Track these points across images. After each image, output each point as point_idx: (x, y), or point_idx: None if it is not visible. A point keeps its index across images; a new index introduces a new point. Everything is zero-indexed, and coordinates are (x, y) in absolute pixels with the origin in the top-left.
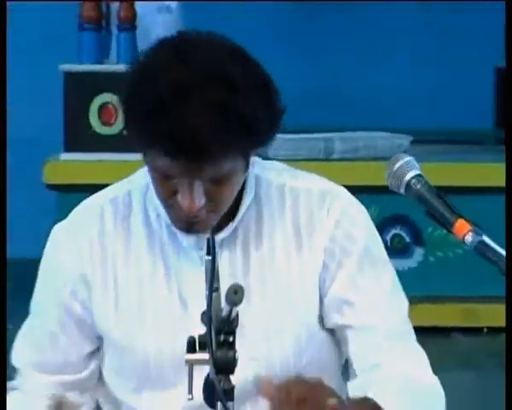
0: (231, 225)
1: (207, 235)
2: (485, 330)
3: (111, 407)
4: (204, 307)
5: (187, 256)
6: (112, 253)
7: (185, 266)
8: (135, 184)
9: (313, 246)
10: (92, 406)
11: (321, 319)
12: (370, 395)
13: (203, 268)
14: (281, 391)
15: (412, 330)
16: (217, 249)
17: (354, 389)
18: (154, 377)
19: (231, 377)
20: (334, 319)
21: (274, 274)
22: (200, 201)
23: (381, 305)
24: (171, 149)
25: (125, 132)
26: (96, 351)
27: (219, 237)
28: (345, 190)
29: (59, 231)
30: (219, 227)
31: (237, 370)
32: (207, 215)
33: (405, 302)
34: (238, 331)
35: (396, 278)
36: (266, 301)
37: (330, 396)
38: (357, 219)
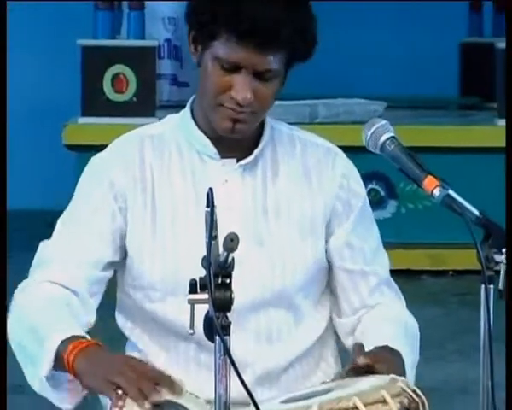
0: (253, 154)
1: (234, 163)
2: (450, 272)
3: (140, 320)
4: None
5: (216, 177)
6: (150, 177)
7: (216, 187)
8: (167, 126)
9: (323, 190)
10: (93, 316)
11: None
12: (370, 334)
13: (231, 194)
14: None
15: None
16: (240, 174)
17: (344, 326)
18: (181, 286)
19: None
20: (334, 260)
21: (288, 205)
22: (250, 93)
23: (374, 253)
24: (245, 32)
25: (134, 99)
26: (109, 269)
27: (244, 161)
28: (342, 154)
29: (100, 154)
30: (243, 157)
31: (251, 287)
32: (249, 116)
33: (386, 254)
34: (256, 250)
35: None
36: (281, 227)
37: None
38: (358, 177)
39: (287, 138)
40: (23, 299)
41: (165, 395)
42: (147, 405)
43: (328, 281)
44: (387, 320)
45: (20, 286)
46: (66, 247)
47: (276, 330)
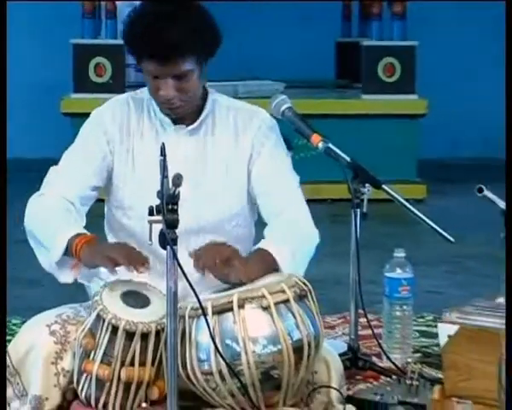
0: (198, 121)
1: (185, 126)
2: (329, 200)
3: (117, 230)
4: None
5: (173, 139)
6: (133, 131)
7: (171, 145)
8: (144, 95)
9: (245, 141)
10: (83, 219)
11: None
12: (269, 238)
13: (181, 146)
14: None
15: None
16: (188, 136)
17: (265, 234)
18: (145, 209)
19: (176, 230)
20: (253, 189)
21: (222, 155)
22: (171, 91)
23: (285, 178)
24: (153, 55)
25: (110, 81)
26: (95, 189)
27: (190, 127)
28: (264, 111)
29: (101, 107)
30: (191, 122)
31: (192, 214)
32: (180, 104)
33: (297, 178)
34: (197, 189)
35: (291, 165)
36: (216, 172)
37: (233, 252)
38: (271, 125)
39: (224, 108)
40: (36, 204)
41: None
42: (134, 271)
43: (254, 209)
44: (285, 228)
45: (32, 197)
46: (67, 172)
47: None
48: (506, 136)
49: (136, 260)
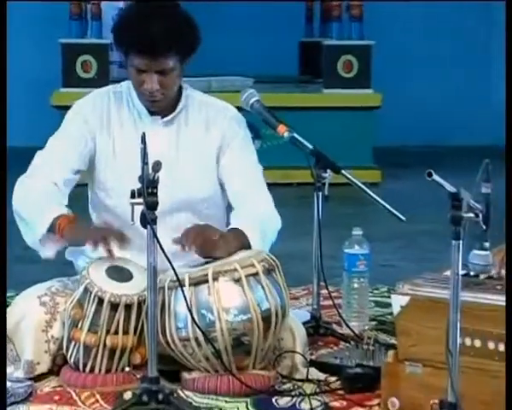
0: (173, 114)
1: (160, 118)
2: (295, 184)
3: (101, 211)
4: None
5: (151, 129)
6: (113, 122)
7: (149, 135)
8: (124, 89)
9: (215, 133)
10: (66, 200)
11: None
12: (238, 221)
13: (157, 136)
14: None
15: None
16: (163, 126)
17: (232, 217)
18: (127, 192)
19: (155, 211)
20: (221, 176)
21: (194, 145)
22: (155, 85)
23: (250, 169)
24: (139, 51)
25: (95, 77)
26: (78, 173)
27: (166, 118)
28: (233, 107)
29: (83, 98)
30: (167, 114)
31: (169, 196)
32: (160, 97)
33: (261, 169)
34: (172, 175)
35: (256, 157)
36: (188, 160)
37: (215, 232)
38: (240, 121)
39: (197, 102)
40: (22, 186)
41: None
42: (114, 247)
43: (225, 193)
44: (251, 212)
45: (19, 180)
46: (52, 157)
47: (184, 226)
48: (506, 137)
49: (116, 236)
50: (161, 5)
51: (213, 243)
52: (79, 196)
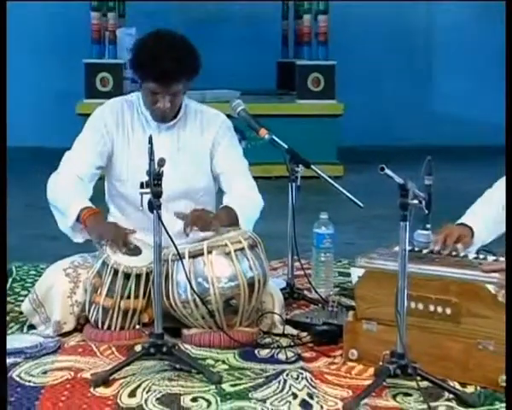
0: (174, 120)
1: (163, 125)
2: (273, 177)
3: (115, 198)
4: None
5: (156, 132)
6: (126, 125)
7: (155, 137)
8: (134, 98)
9: (209, 135)
10: (91, 192)
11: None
12: (229, 200)
13: (161, 137)
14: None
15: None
16: (166, 131)
17: (224, 199)
18: (138, 182)
19: (160, 199)
20: (215, 169)
21: (191, 145)
22: (167, 104)
23: (237, 162)
24: (157, 80)
25: (112, 90)
26: (100, 168)
27: (169, 124)
28: (223, 114)
29: (102, 106)
30: (169, 120)
31: (171, 187)
32: (170, 113)
33: (246, 162)
34: (173, 169)
35: (242, 153)
36: (186, 157)
37: (209, 214)
38: (228, 126)
39: (193, 111)
40: (55, 180)
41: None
42: (123, 247)
43: (215, 184)
44: (239, 196)
45: (52, 175)
46: (78, 155)
47: (184, 211)
48: (506, 137)
49: (120, 238)
50: (171, 39)
51: (209, 222)
52: (96, 188)
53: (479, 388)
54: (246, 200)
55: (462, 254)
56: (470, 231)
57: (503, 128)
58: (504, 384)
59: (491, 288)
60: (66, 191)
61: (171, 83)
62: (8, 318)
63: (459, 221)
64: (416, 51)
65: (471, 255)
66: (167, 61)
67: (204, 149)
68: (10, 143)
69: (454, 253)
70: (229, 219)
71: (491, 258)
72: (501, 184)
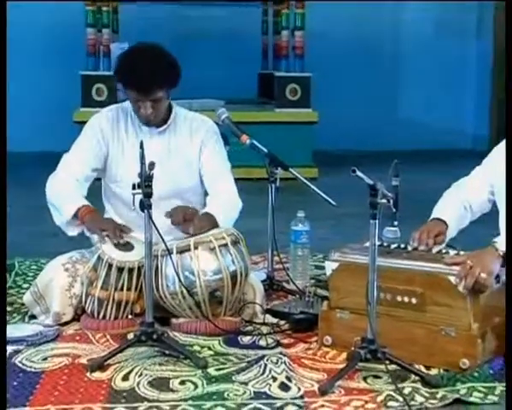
0: (165, 126)
1: (155, 128)
2: (254, 179)
3: (110, 198)
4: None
5: (148, 137)
6: (121, 131)
7: (147, 141)
8: (125, 106)
9: (196, 139)
10: (85, 192)
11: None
12: (212, 205)
13: (152, 142)
14: (178, 212)
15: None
16: (157, 135)
17: (208, 200)
18: (130, 184)
19: (150, 199)
20: (202, 170)
21: (181, 148)
22: (149, 110)
23: (222, 164)
24: (135, 88)
25: (106, 100)
26: (95, 171)
27: (160, 129)
28: (210, 120)
29: (98, 113)
30: (160, 125)
31: (161, 187)
32: (153, 118)
33: (229, 165)
34: (164, 171)
35: (226, 157)
36: (176, 160)
37: (193, 212)
38: (214, 131)
39: (182, 117)
40: (53, 180)
41: (126, 237)
42: (120, 240)
43: (203, 184)
44: (220, 198)
45: (50, 175)
46: (75, 158)
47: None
48: (506, 136)
49: (118, 231)
50: (150, 51)
51: (190, 222)
52: (92, 189)
53: (442, 370)
54: (225, 202)
55: (435, 251)
56: (445, 226)
57: (462, 133)
58: (464, 367)
59: (452, 279)
60: (63, 190)
61: (148, 90)
62: (11, 308)
63: (433, 216)
64: (383, 65)
65: (434, 250)
66: (144, 70)
67: (193, 152)
68: (12, 148)
69: (422, 248)
70: (209, 223)
71: (452, 252)
72: (462, 183)
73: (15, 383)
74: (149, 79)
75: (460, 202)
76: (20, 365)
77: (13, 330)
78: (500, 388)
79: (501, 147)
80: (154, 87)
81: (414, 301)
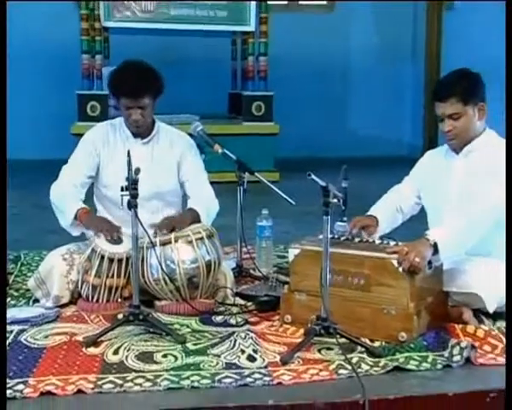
0: (149, 137)
1: (140, 139)
2: (225, 182)
3: (101, 200)
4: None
5: (135, 147)
6: (110, 142)
7: (134, 150)
8: (117, 122)
9: (176, 150)
10: (83, 196)
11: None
12: (195, 203)
13: (138, 151)
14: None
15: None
16: (142, 146)
17: (189, 202)
18: (119, 187)
19: (137, 200)
20: (182, 178)
21: (162, 157)
22: (139, 116)
23: (200, 172)
24: (126, 95)
25: (99, 115)
26: (89, 178)
27: (144, 140)
28: (187, 135)
29: (91, 129)
30: (145, 137)
31: (146, 189)
32: (142, 124)
33: (206, 174)
34: (148, 176)
35: (203, 166)
36: (159, 167)
37: (174, 219)
38: (191, 143)
39: (164, 130)
40: (55, 187)
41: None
42: (114, 236)
43: (182, 188)
44: (200, 197)
45: (54, 183)
46: (72, 168)
47: (157, 210)
48: (506, 136)
49: (111, 229)
50: (137, 64)
51: (173, 226)
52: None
53: (384, 343)
54: (206, 203)
55: (365, 239)
56: (376, 221)
57: (400, 143)
58: (402, 340)
59: (394, 262)
60: (65, 197)
61: (138, 97)
62: (17, 294)
63: (367, 213)
64: (335, 85)
65: (377, 241)
66: (134, 79)
67: (173, 160)
68: (18, 156)
69: (364, 239)
70: (192, 218)
71: (392, 243)
72: (395, 189)
73: (21, 358)
74: (138, 86)
75: (393, 205)
76: (25, 342)
77: (19, 312)
78: (431, 356)
79: (423, 159)
80: (142, 93)
81: (362, 282)
